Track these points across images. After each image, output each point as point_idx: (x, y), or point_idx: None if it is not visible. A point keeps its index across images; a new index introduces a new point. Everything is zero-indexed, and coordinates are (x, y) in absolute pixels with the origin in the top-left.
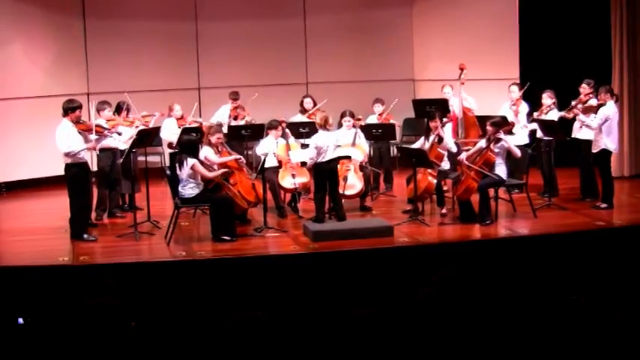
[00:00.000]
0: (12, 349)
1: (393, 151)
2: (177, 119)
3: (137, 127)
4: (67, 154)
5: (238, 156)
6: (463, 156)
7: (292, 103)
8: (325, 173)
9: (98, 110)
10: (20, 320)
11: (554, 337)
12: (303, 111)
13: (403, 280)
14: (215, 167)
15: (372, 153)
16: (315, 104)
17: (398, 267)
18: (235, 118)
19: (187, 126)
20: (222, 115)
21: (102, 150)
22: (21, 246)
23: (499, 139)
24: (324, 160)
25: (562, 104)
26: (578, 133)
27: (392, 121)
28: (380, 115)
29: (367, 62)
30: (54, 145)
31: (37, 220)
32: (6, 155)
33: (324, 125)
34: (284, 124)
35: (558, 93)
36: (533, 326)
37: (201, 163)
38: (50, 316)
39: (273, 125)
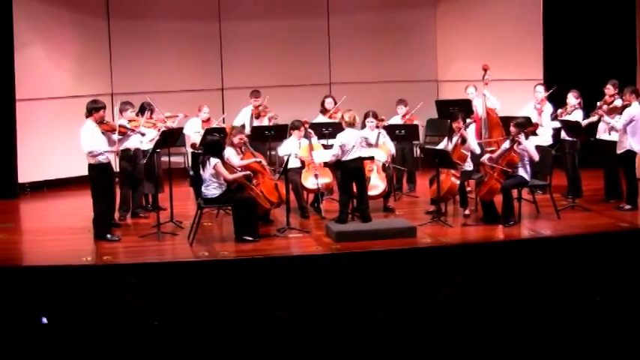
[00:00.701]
0: (36, 349)
1: (416, 151)
2: (203, 121)
3: (160, 129)
4: (90, 154)
5: (259, 159)
6: (486, 157)
7: (315, 103)
8: (350, 172)
9: (121, 111)
10: (44, 320)
11: (579, 339)
12: (324, 111)
13: (426, 280)
14: (238, 169)
15: (395, 153)
16: (335, 103)
17: (421, 268)
18: (257, 117)
19: (211, 126)
20: (243, 118)
21: (124, 150)
22: (45, 246)
23: (521, 142)
24: (348, 158)
25: (586, 105)
26: (603, 134)
27: (415, 122)
28: (403, 116)
29: (390, 63)
30: (78, 146)
31: (61, 221)
32: (30, 156)
33: (352, 123)
34: (307, 125)
35: (582, 94)
36: (557, 328)
37: (224, 164)
38: (74, 316)
39: (296, 126)
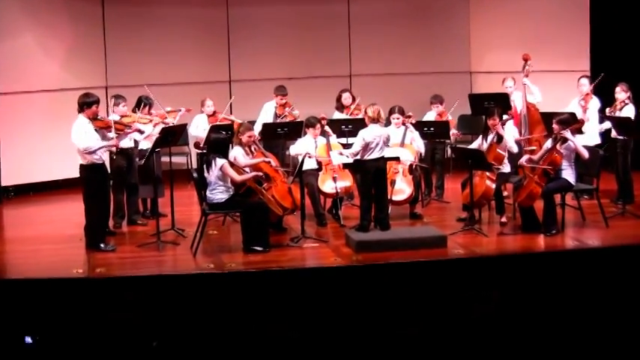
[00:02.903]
0: None
1: (447, 151)
2: (209, 116)
3: (156, 124)
4: (85, 151)
5: (268, 159)
6: (525, 158)
7: (334, 98)
8: (371, 173)
9: (113, 105)
10: (28, 339)
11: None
12: (341, 107)
13: (457, 296)
14: (247, 170)
15: (423, 153)
16: (354, 100)
17: (451, 282)
18: (283, 118)
19: (217, 123)
20: (267, 115)
21: (117, 149)
22: (31, 256)
23: (566, 139)
24: (369, 157)
25: (638, 100)
26: None
27: (445, 118)
28: (440, 115)
29: (418, 52)
30: (69, 145)
31: (49, 228)
32: (14, 156)
33: (377, 119)
34: (324, 122)
35: (634, 87)
36: (604, 349)
37: (232, 164)
38: (62, 336)
39: (312, 123)
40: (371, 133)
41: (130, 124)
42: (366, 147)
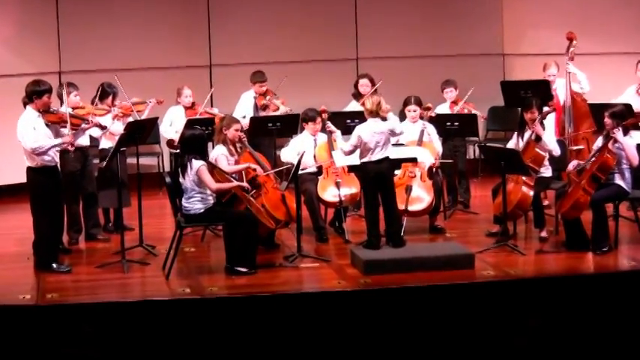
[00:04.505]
0: None
1: (475, 151)
2: (187, 109)
3: (116, 116)
4: (34, 151)
5: (255, 166)
6: (573, 165)
7: (337, 86)
8: (372, 178)
9: (60, 95)
10: None
11: None
12: (358, 96)
13: (488, 327)
14: (230, 175)
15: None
16: (374, 86)
17: (481, 310)
18: (264, 109)
19: (194, 117)
20: (244, 108)
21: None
22: None
23: (617, 139)
24: (370, 159)
25: None
26: None
27: (473, 111)
28: (453, 102)
29: (439, 31)
30: (14, 143)
31: None
32: None
33: (376, 112)
34: (325, 115)
35: None
36: None
37: (212, 167)
38: None
39: (310, 117)
40: (369, 129)
41: (88, 116)
42: (363, 147)
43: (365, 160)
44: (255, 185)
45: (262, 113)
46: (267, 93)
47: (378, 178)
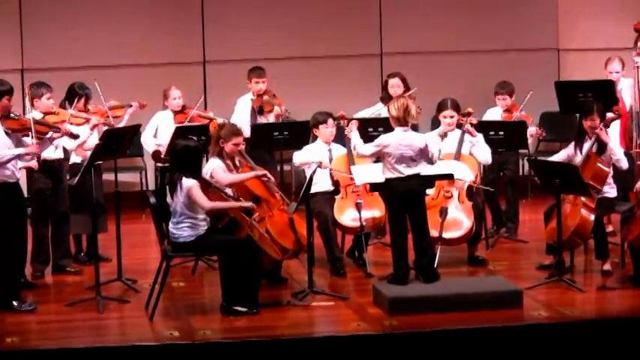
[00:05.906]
0: None
1: (523, 167)
2: (176, 113)
3: (95, 126)
4: None
5: (261, 172)
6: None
7: (357, 87)
8: (400, 198)
9: (32, 97)
10: None
11: None
12: (387, 99)
13: None
14: (229, 192)
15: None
16: (407, 89)
17: (531, 358)
18: (261, 112)
19: (186, 124)
20: (242, 113)
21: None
22: None
23: None
24: (398, 175)
25: None
26: None
27: (517, 115)
28: (508, 112)
29: (479, 21)
30: None
31: None
32: None
33: (404, 119)
34: (343, 122)
35: None
36: None
37: (206, 185)
38: None
39: (320, 120)
40: (395, 140)
41: (59, 124)
42: (389, 159)
43: (391, 176)
44: (258, 206)
45: (261, 119)
46: (266, 93)
47: (406, 198)
